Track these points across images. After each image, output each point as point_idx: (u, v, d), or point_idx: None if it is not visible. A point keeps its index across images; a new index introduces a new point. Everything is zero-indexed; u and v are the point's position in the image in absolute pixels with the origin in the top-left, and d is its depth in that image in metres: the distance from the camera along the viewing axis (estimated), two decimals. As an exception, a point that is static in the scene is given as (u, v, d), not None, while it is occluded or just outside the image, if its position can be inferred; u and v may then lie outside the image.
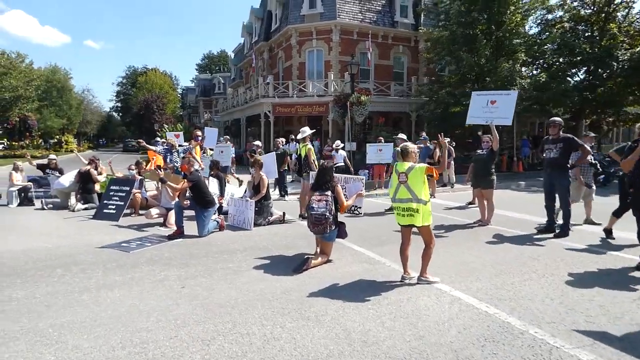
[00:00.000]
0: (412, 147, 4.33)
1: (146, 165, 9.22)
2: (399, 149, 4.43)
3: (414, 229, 4.20)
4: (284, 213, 7.58)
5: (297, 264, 4.77)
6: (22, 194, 9.32)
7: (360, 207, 6.18)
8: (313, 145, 8.93)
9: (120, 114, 71.63)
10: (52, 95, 44.21)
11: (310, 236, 6.38)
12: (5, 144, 39.91)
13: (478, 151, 7.66)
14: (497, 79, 16.68)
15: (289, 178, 11.76)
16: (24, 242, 5.96)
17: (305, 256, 5.15)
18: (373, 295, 3.85)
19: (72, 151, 32.01)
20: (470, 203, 9.46)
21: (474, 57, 17.63)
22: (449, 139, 4.73)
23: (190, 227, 6.50)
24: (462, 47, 18.16)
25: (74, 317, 3.40)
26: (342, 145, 13.10)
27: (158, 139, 13.03)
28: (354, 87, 16.04)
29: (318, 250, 5.18)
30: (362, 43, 23.11)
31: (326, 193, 4.87)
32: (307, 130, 8.09)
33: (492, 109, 7.37)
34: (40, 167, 10.74)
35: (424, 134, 13.89)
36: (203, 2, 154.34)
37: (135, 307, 3.61)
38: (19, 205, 9.15)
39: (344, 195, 5.22)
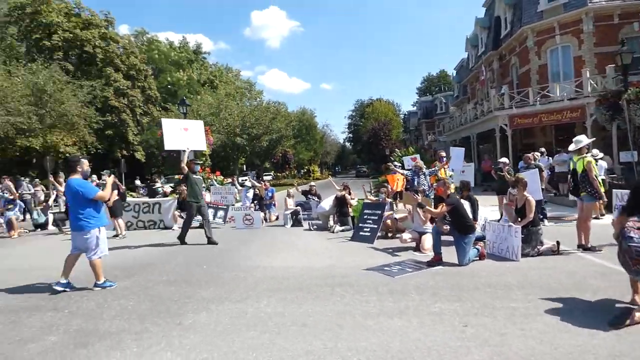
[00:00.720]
0: None
1: (391, 188, 9.55)
2: None
3: None
4: (557, 242, 6.24)
5: (613, 315, 3.59)
6: (294, 217, 11.13)
7: None
8: None
9: (352, 143, 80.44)
10: (302, 133, 53.79)
11: (605, 274, 5.03)
12: (272, 175, 50.94)
13: None
14: None
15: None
16: (301, 260, 6.84)
17: (619, 304, 3.90)
18: None
19: (327, 178, 37.86)
20: None
21: None
22: None
23: (447, 254, 6.09)
24: None
25: (365, 342, 3.42)
26: (600, 155, 10.38)
27: (396, 163, 13.46)
28: (627, 81, 12.58)
29: (638, 298, 3.84)
30: (627, 26, 18.40)
31: (651, 220, 3.57)
32: (583, 140, 6.53)
33: None
34: (303, 193, 12.72)
35: None
36: (420, 27, 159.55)
37: (421, 343, 3.37)
38: (292, 226, 10.93)
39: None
